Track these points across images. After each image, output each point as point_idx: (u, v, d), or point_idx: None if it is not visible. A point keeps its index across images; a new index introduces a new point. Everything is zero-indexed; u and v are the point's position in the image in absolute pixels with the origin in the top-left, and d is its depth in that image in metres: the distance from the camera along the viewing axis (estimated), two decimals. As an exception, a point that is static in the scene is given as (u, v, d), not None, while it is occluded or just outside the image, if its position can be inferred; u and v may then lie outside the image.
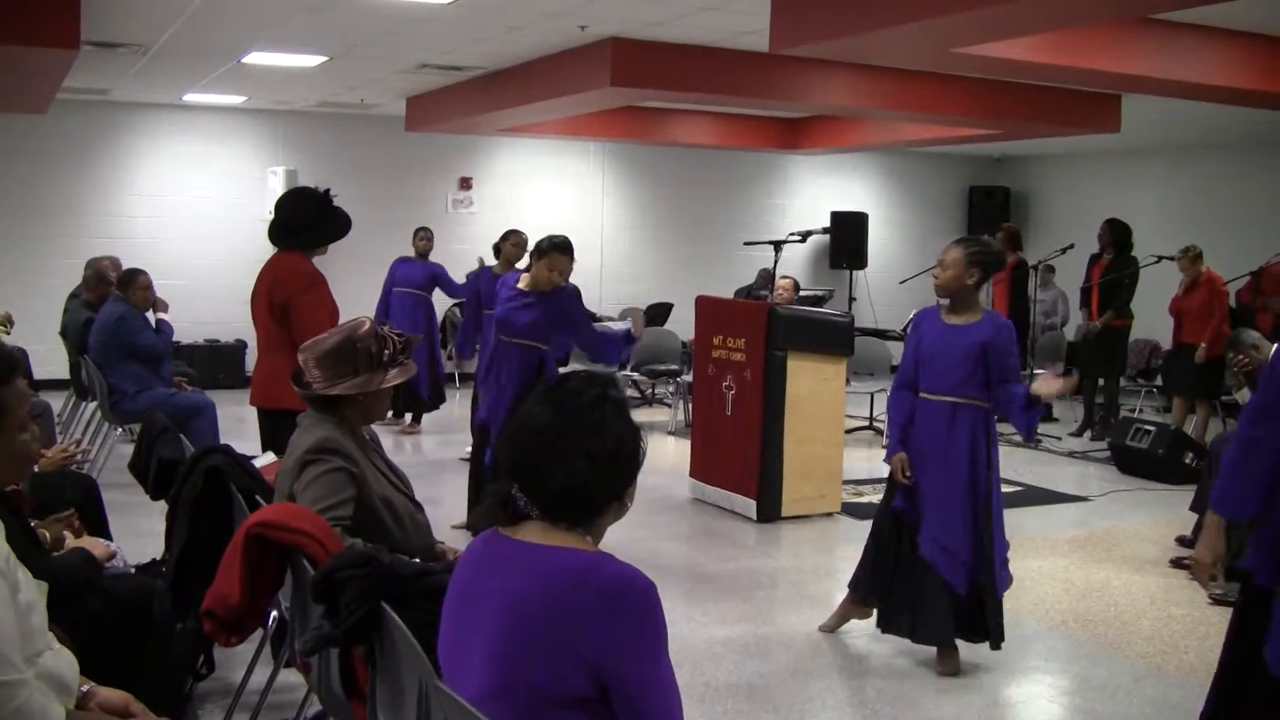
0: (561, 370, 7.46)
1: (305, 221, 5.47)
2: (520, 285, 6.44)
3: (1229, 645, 3.59)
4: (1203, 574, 3.59)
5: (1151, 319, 11.27)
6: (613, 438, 2.18)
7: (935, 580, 4.86)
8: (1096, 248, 11.10)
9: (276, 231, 5.61)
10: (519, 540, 2.18)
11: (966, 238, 5.13)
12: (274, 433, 5.27)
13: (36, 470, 4.77)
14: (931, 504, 4.90)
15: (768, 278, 13.02)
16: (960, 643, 4.98)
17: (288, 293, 5.37)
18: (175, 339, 12.08)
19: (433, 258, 10.71)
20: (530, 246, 6.76)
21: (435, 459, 9.36)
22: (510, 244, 9.00)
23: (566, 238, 6.36)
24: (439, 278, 10.56)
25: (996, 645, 4.92)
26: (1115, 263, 10.77)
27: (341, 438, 3.50)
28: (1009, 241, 11.71)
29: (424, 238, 10.69)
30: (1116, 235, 10.83)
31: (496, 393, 6.46)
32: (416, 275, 10.51)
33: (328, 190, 5.59)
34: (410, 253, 10.69)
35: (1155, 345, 12.50)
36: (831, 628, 5.42)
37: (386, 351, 3.57)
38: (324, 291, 5.40)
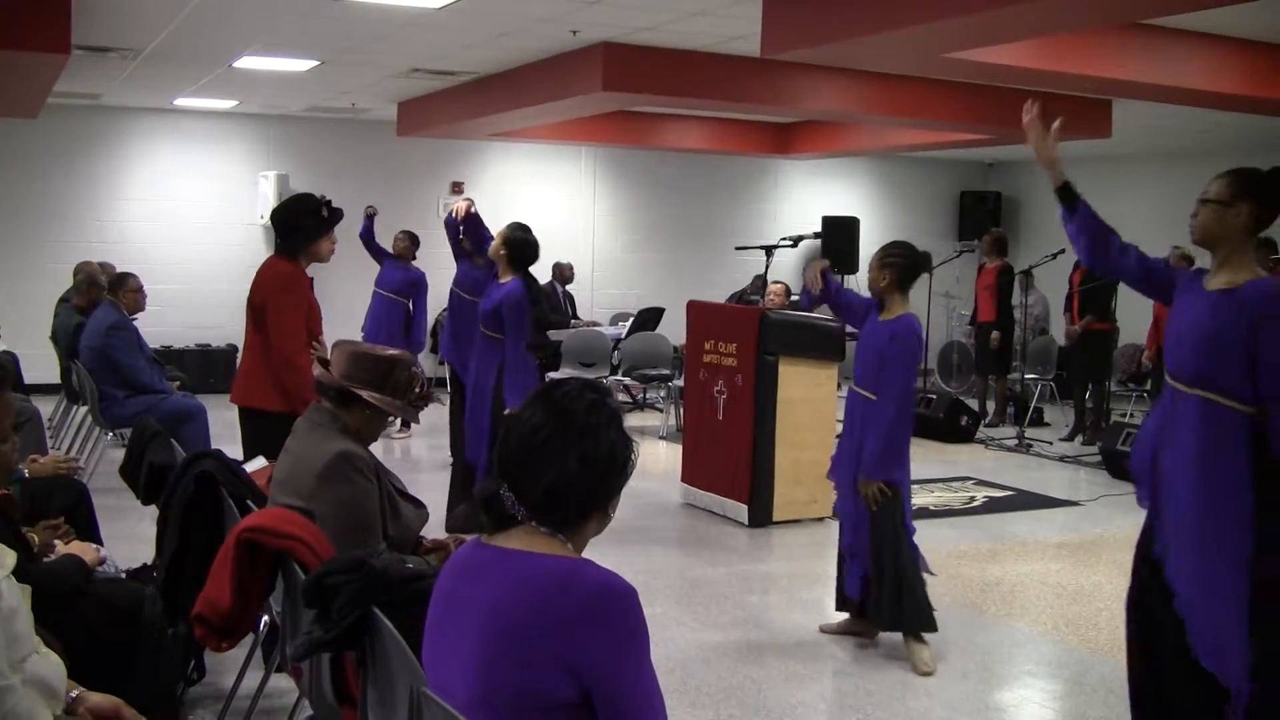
0: (557, 375, 7.48)
1: (287, 227, 5.59)
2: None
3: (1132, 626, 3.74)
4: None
5: (1139, 324, 11.28)
6: (605, 442, 2.18)
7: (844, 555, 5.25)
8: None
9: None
10: (501, 547, 2.18)
11: (890, 243, 5.23)
12: (246, 430, 5.46)
13: (28, 475, 4.76)
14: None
15: (761, 283, 13.04)
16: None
17: (265, 294, 5.52)
18: (166, 344, 12.20)
19: (424, 263, 10.42)
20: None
21: (421, 460, 9.37)
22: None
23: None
24: (419, 286, 10.16)
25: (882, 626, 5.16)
26: None
27: (354, 446, 3.53)
28: (995, 246, 11.79)
29: (401, 239, 10.29)
30: None
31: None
32: (397, 279, 10.18)
33: (323, 196, 5.65)
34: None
35: (1143, 349, 12.56)
36: (831, 631, 5.46)
37: (414, 391, 3.68)
38: (299, 294, 5.50)
